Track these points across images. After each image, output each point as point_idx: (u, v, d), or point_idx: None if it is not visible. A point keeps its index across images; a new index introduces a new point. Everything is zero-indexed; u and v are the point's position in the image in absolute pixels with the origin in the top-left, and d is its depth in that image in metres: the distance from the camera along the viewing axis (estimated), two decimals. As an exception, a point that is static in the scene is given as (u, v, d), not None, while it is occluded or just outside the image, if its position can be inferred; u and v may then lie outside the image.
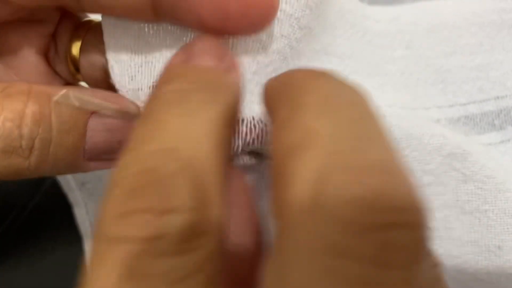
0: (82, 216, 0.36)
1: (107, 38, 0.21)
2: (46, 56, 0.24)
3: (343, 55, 0.25)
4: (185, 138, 0.14)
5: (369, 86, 0.26)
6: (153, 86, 0.21)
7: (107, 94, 0.21)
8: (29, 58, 0.23)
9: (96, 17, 0.23)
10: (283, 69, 0.21)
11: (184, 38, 0.21)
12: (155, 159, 0.13)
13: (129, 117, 0.21)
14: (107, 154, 0.21)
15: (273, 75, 0.20)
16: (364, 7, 0.27)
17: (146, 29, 0.21)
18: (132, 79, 0.21)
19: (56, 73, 0.24)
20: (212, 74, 0.17)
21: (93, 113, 0.20)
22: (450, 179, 0.24)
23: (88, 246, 0.36)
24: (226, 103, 0.16)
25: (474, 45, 0.27)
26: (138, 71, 0.21)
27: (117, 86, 0.22)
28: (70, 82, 0.25)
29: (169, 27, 0.21)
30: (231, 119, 0.16)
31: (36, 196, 0.36)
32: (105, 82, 0.23)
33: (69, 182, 0.34)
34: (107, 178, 0.39)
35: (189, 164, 0.13)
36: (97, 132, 0.20)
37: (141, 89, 0.21)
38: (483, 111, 0.27)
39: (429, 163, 0.24)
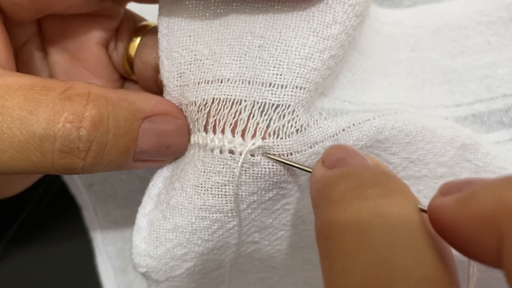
0: (91, 218, 0.36)
1: (161, 35, 0.22)
2: (106, 49, 0.25)
3: (362, 51, 0.25)
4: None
5: (379, 84, 0.25)
6: (199, 82, 0.21)
7: (159, 99, 0.22)
8: (93, 50, 0.25)
9: (154, 21, 0.24)
10: (341, 56, 0.21)
11: (229, 37, 0.21)
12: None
13: (182, 131, 0.22)
14: (155, 156, 0.22)
15: (331, 61, 0.21)
16: (375, 8, 0.27)
17: (199, 29, 0.22)
18: (180, 76, 0.22)
19: (113, 65, 0.26)
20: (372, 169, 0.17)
21: (145, 118, 0.21)
22: (462, 170, 0.24)
23: (97, 247, 0.36)
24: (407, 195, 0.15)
25: (482, 44, 0.27)
26: (187, 69, 0.22)
27: (165, 82, 0.22)
28: (124, 76, 0.26)
29: (219, 27, 0.21)
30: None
31: (45, 197, 0.36)
32: (154, 81, 0.24)
33: (76, 184, 0.35)
34: (113, 180, 0.38)
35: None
36: (148, 137, 0.21)
37: (187, 85, 0.22)
38: (490, 109, 0.26)
39: (443, 155, 0.24)
